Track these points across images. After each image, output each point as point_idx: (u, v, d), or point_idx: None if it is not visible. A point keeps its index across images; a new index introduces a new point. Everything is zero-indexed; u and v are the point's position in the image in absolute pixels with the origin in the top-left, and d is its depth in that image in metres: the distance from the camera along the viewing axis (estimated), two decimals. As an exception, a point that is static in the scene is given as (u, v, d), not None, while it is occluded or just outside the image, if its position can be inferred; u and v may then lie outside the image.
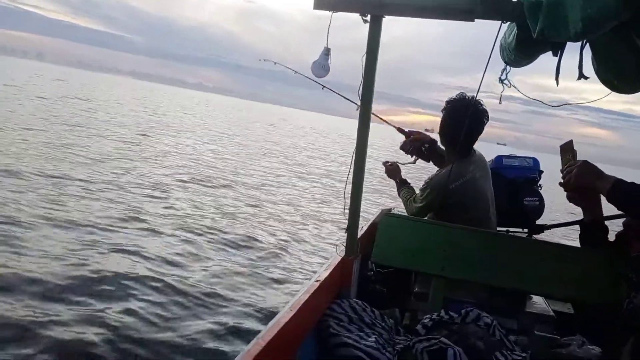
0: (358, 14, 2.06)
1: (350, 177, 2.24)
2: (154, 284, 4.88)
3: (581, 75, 1.97)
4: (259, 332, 1.47)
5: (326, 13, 2.09)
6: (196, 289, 4.92)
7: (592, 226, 2.09)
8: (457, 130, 2.65)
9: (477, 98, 2.70)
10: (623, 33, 1.62)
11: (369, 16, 2.05)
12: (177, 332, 4.04)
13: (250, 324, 4.36)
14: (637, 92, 2.07)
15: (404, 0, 2.02)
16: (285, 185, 13.57)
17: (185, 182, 10.77)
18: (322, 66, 2.28)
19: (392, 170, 3.27)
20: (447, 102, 2.88)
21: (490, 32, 2.34)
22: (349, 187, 2.27)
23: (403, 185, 3.18)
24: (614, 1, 1.25)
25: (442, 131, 2.94)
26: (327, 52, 2.27)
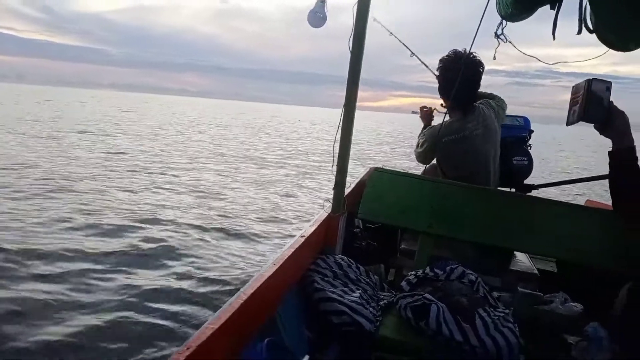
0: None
1: (339, 135, 2.19)
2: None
3: (581, 29, 1.91)
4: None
5: (305, 3, 2.04)
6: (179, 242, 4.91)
7: (623, 153, 1.97)
8: (452, 85, 2.62)
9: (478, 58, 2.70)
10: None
11: None
12: (162, 286, 4.05)
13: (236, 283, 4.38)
14: (633, 49, 2.02)
15: None
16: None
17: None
18: (318, 15, 2.20)
19: (426, 114, 3.20)
20: (440, 61, 2.83)
21: (470, 10, 2.25)
22: (337, 146, 2.23)
23: (423, 129, 3.15)
24: None
25: (440, 90, 2.90)
26: (323, 0, 2.18)
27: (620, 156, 1.99)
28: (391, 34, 3.16)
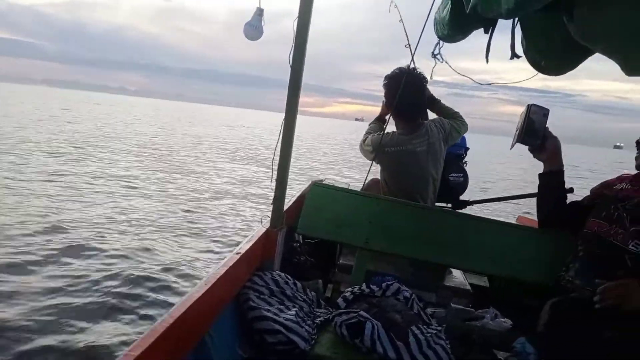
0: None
1: (279, 147, 2.16)
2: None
3: (513, 54, 1.98)
4: None
5: (250, 5, 2.02)
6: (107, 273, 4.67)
7: (552, 175, 2.13)
8: (390, 100, 2.80)
9: (422, 74, 2.86)
10: (553, 13, 1.63)
11: None
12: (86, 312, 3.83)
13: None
14: (562, 73, 2.12)
15: None
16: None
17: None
18: (254, 27, 2.17)
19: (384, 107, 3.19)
20: (385, 77, 2.95)
21: (414, 17, 2.31)
22: (277, 159, 2.19)
23: (377, 119, 3.20)
24: None
25: (387, 104, 3.00)
26: (260, 12, 2.15)
27: (549, 178, 2.11)
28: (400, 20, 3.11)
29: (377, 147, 2.85)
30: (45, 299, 3.95)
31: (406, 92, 2.76)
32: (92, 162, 12.04)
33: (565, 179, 2.18)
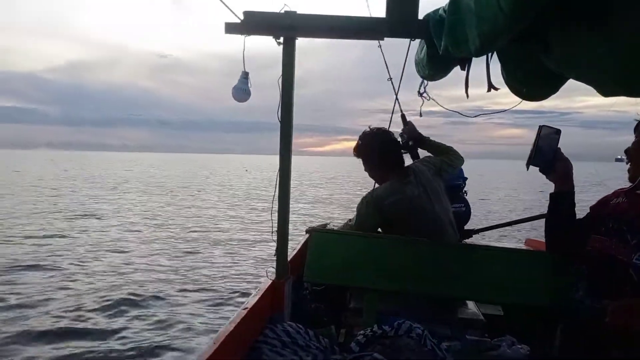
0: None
1: (276, 198, 2.21)
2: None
3: (490, 87, 2.06)
4: None
5: (237, 48, 2.12)
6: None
7: (562, 196, 2.10)
8: (375, 155, 2.94)
9: (388, 129, 3.02)
10: (525, 44, 1.71)
11: (282, 39, 2.05)
12: None
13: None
14: (545, 98, 2.18)
15: (315, 21, 2.04)
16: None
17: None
18: (242, 90, 2.25)
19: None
20: (359, 138, 3.03)
21: (401, 51, 2.42)
22: (276, 209, 2.24)
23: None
24: (503, 18, 1.31)
25: (369, 166, 3.06)
26: (245, 75, 2.24)
27: (559, 199, 2.12)
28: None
29: (377, 199, 2.83)
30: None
31: (384, 149, 2.92)
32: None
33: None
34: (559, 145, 2.10)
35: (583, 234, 2.03)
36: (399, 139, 3.06)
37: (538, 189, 25.29)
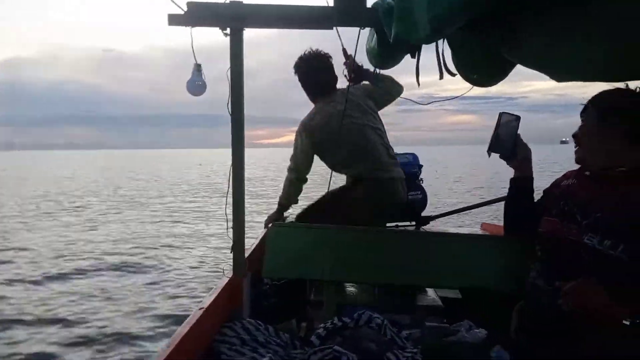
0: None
1: (230, 194, 2.16)
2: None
3: (442, 74, 2.06)
4: None
5: (184, 41, 2.06)
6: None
7: (521, 181, 2.17)
8: (304, 85, 3.22)
9: (322, 53, 3.17)
10: (476, 31, 1.71)
11: (228, 30, 1.99)
12: None
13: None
14: (495, 84, 2.21)
15: (262, 11, 1.99)
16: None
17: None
18: (196, 83, 2.19)
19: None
20: (295, 66, 3.22)
21: (352, 40, 2.41)
22: (230, 205, 2.19)
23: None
24: (456, 4, 1.31)
25: (305, 86, 3.26)
26: (198, 68, 2.18)
27: (519, 183, 2.16)
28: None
29: (304, 127, 3.04)
30: None
31: (317, 73, 3.12)
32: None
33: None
34: (518, 132, 2.15)
35: (538, 217, 2.08)
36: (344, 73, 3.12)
37: (493, 171, 26.09)
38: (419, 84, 2.12)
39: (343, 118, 2.87)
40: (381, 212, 3.03)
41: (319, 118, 3.00)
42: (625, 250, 1.57)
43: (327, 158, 3.13)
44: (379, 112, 3.23)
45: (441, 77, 2.00)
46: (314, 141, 3.00)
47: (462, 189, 21.37)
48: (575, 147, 1.98)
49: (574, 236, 1.76)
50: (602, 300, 1.51)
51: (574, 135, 1.95)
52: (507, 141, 2.13)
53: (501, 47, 1.65)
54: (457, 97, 2.66)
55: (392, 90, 3.22)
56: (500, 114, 2.15)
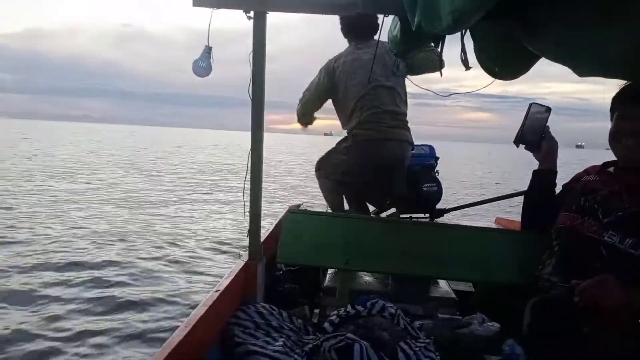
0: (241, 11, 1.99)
1: (248, 178, 2.17)
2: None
3: (466, 66, 2.04)
4: None
5: (206, 23, 2.05)
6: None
7: (544, 174, 2.15)
8: (346, 21, 3.15)
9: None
10: (501, 22, 1.69)
11: (252, 13, 1.99)
12: None
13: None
14: (516, 78, 2.18)
15: None
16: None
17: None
18: (203, 66, 2.20)
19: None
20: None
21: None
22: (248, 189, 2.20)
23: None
24: None
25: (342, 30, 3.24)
26: (208, 50, 2.18)
27: (542, 176, 2.14)
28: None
29: (329, 64, 3.06)
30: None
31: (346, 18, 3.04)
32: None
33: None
34: (547, 124, 2.11)
35: (557, 212, 2.04)
36: None
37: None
38: (441, 74, 2.10)
39: (371, 71, 2.87)
40: (369, 170, 3.06)
41: (342, 60, 3.03)
42: None
43: (336, 103, 3.17)
44: (412, 78, 3.15)
45: (467, 68, 1.97)
46: (331, 79, 3.06)
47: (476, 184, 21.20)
48: (633, 144, 1.80)
49: (594, 233, 1.73)
50: (621, 298, 1.49)
51: (633, 132, 1.79)
52: (534, 132, 2.09)
53: (523, 37, 1.62)
54: (476, 90, 2.63)
55: (424, 64, 3.11)
56: (530, 104, 2.11)
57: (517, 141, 2.14)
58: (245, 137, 2.17)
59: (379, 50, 2.89)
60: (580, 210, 1.85)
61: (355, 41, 3.15)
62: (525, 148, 2.19)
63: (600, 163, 2.05)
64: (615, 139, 1.85)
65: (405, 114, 3.18)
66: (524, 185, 2.34)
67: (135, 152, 35.23)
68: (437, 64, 3.19)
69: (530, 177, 2.26)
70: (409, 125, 3.23)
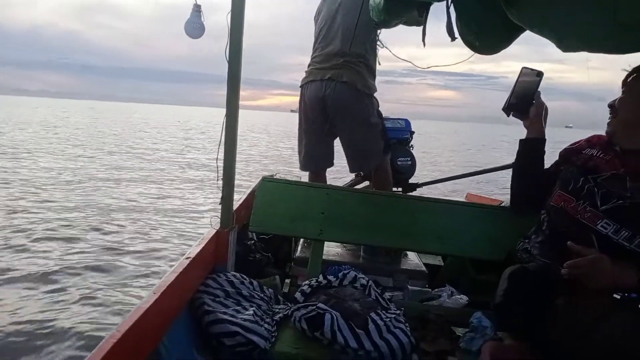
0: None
1: (222, 145, 2.10)
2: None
3: (451, 36, 2.00)
4: None
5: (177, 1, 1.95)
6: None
7: (531, 143, 2.01)
8: None
9: None
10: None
11: None
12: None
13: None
14: (497, 52, 2.16)
15: None
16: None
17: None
18: (195, 25, 2.10)
19: None
20: None
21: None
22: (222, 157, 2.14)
23: None
24: None
25: None
26: (197, 8, 2.08)
27: (530, 145, 2.02)
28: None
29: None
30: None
31: None
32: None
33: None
34: (539, 89, 1.99)
35: (550, 186, 1.92)
36: None
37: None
38: (424, 45, 2.06)
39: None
40: (319, 116, 2.98)
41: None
42: None
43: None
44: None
45: (452, 38, 1.92)
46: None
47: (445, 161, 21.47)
48: (609, 118, 1.79)
49: (588, 220, 1.65)
50: (610, 281, 1.47)
51: (610, 106, 1.77)
52: (525, 99, 1.98)
53: (508, 10, 1.59)
54: (457, 63, 2.59)
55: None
56: (522, 69, 2.02)
57: (507, 109, 2.02)
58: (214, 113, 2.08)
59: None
60: (577, 192, 1.74)
61: None
62: (514, 115, 2.04)
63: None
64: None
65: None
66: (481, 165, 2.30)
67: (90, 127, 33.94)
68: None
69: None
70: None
